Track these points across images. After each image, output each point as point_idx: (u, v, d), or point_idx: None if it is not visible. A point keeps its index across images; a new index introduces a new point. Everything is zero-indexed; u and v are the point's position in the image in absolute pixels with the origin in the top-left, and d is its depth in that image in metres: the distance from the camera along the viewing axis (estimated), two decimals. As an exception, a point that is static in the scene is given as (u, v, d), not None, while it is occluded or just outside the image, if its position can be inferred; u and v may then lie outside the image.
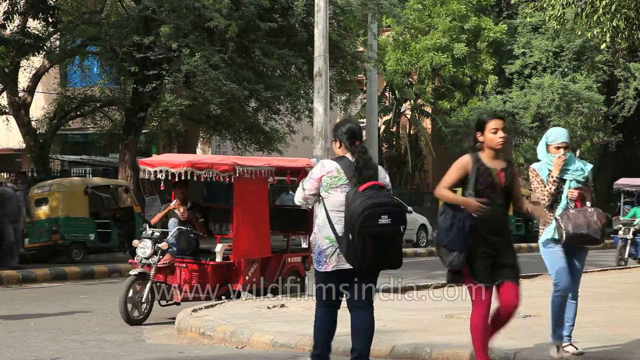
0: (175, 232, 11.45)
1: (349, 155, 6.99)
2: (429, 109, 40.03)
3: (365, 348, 6.98)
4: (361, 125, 8.59)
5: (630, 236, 20.44)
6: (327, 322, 7.11)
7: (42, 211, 21.17)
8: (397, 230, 6.80)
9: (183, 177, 11.36)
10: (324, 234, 6.92)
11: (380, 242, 6.72)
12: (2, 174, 24.12)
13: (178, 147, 32.74)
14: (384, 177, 7.07)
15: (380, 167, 7.14)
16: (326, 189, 6.95)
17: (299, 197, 7.13)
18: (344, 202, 6.82)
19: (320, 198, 7.01)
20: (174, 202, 12.08)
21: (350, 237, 6.68)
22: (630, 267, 19.34)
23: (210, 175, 11.46)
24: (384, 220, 6.69)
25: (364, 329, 6.97)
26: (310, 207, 7.26)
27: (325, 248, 6.90)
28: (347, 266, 6.85)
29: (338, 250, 6.87)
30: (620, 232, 20.66)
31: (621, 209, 22.79)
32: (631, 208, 21.80)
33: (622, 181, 22.72)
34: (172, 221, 11.79)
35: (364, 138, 7.24)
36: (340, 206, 6.85)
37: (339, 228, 6.83)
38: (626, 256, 20.43)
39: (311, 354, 7.22)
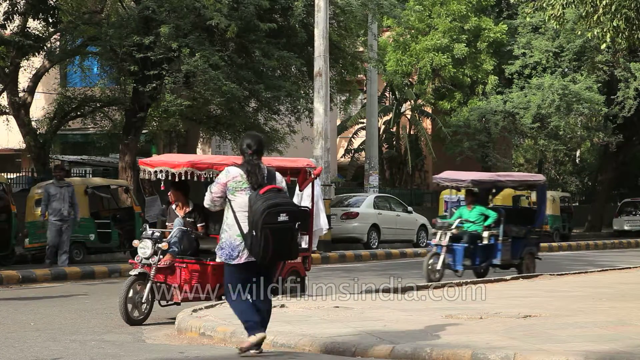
0: (177, 233, 11.43)
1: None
2: (429, 110, 40.04)
3: (266, 319, 8.16)
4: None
5: (446, 242, 16.19)
6: (247, 303, 8.00)
7: (42, 211, 21.12)
8: (294, 226, 7.87)
9: (183, 177, 11.33)
10: (235, 232, 7.96)
11: (280, 237, 7.78)
12: (2, 173, 24.12)
13: (178, 147, 32.74)
14: (280, 181, 8.15)
15: (276, 173, 8.19)
16: (232, 192, 8.00)
17: (207, 200, 8.13)
18: (248, 203, 7.86)
19: (228, 200, 8.02)
20: (173, 205, 12.05)
21: (254, 233, 7.72)
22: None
23: (210, 175, 11.41)
24: (283, 217, 7.78)
25: (265, 311, 8.13)
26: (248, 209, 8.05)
27: (238, 244, 7.94)
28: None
29: None
30: (436, 238, 16.38)
31: (448, 209, 18.12)
32: (457, 208, 17.46)
33: (444, 175, 17.51)
34: (177, 221, 11.75)
35: (261, 149, 8.33)
36: (245, 207, 7.89)
37: (244, 226, 7.86)
38: (439, 267, 16.14)
39: (247, 327, 8.07)
